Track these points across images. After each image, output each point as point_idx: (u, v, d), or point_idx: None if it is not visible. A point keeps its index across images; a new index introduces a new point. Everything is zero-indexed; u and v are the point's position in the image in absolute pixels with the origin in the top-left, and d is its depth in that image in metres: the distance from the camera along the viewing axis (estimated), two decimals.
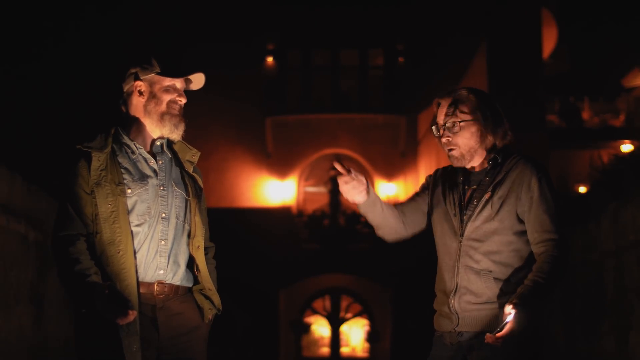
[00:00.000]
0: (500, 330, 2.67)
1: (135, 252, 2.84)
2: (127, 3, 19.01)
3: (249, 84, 21.28)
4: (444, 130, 2.98)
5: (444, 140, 2.98)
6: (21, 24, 15.48)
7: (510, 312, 2.67)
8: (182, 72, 3.00)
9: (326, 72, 22.42)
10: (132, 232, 2.83)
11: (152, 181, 2.92)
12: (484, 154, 2.99)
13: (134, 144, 2.96)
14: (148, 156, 2.96)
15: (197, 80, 3.06)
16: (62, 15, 16.70)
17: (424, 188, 3.14)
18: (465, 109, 2.96)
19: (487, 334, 2.71)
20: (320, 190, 21.82)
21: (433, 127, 3.04)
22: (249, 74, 21.33)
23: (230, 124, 21.04)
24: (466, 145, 2.95)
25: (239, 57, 21.06)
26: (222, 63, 19.58)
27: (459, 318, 2.91)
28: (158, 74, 2.96)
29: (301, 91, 22.30)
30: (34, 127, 14.18)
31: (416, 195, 3.13)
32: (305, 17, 21.75)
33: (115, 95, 3.03)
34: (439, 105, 3.04)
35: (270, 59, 22.04)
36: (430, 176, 3.16)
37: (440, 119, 3.00)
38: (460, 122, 2.94)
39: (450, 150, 2.98)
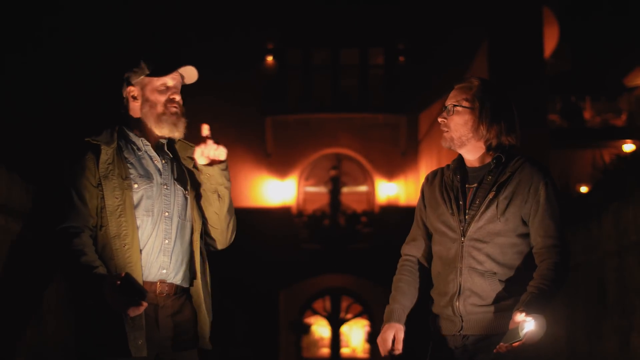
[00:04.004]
0: (517, 340, 2.61)
1: (140, 248, 2.82)
2: (126, 2, 18.98)
3: (249, 83, 21.26)
4: (444, 111, 2.99)
5: (439, 120, 3.00)
6: (17, 22, 15.45)
7: (525, 320, 2.61)
8: (169, 68, 2.95)
9: (326, 71, 22.40)
10: (137, 226, 2.82)
11: (157, 179, 2.91)
12: (480, 147, 2.95)
13: (141, 140, 2.94)
14: (154, 154, 2.95)
15: (190, 74, 3.02)
16: (57, 12, 16.67)
17: (419, 206, 3.10)
18: (466, 96, 2.95)
19: (501, 343, 2.65)
20: (320, 190, 21.80)
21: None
22: (248, 73, 21.32)
23: (229, 123, 20.98)
24: (457, 130, 2.94)
25: (238, 56, 21.04)
26: (221, 62, 19.56)
27: (462, 321, 2.86)
28: (148, 75, 2.92)
29: (301, 90, 22.28)
30: (32, 127, 14.15)
31: (419, 222, 3.08)
32: (305, 16, 21.72)
33: (115, 101, 3.00)
34: (452, 89, 3.04)
35: (270, 58, 22.02)
36: (423, 185, 3.12)
37: (447, 101, 3.01)
38: (455, 106, 2.94)
39: (444, 132, 2.99)
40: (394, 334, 2.90)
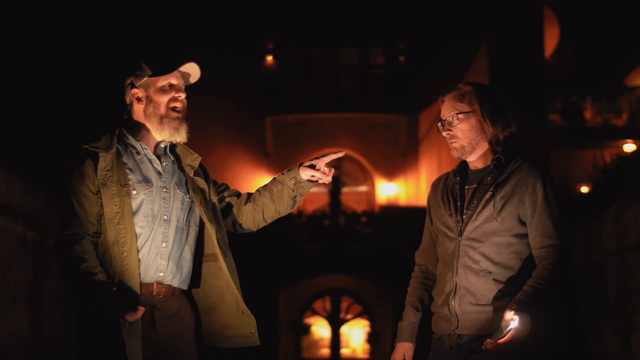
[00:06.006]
0: (502, 337, 2.64)
1: (138, 253, 2.83)
2: (126, 2, 18.98)
3: (249, 83, 21.26)
4: (445, 124, 3.00)
5: (444, 134, 3.01)
6: (18, 25, 15.46)
7: (512, 318, 2.64)
8: (171, 66, 2.96)
9: (326, 71, 22.41)
10: (136, 233, 2.83)
11: (156, 183, 2.91)
12: (487, 147, 2.98)
13: (140, 144, 2.95)
14: (153, 157, 2.95)
15: (193, 72, 3.03)
16: (58, 16, 16.69)
17: (427, 215, 3.15)
18: (464, 102, 2.98)
19: (488, 340, 2.67)
20: (320, 190, 21.80)
21: (438, 124, 3.07)
22: (248, 73, 21.32)
23: (229, 123, 21.01)
24: (466, 137, 2.96)
25: (238, 56, 21.04)
26: (221, 62, 19.56)
27: (458, 320, 2.88)
28: (150, 76, 2.94)
29: (301, 90, 22.28)
30: (32, 126, 14.16)
31: (429, 230, 3.14)
32: (305, 16, 21.73)
33: (117, 105, 3.00)
34: (442, 102, 3.06)
35: (269, 58, 22.02)
36: (428, 194, 3.18)
37: (443, 115, 3.03)
38: (458, 114, 2.96)
39: (452, 143, 3.00)
40: (403, 354, 3.03)
